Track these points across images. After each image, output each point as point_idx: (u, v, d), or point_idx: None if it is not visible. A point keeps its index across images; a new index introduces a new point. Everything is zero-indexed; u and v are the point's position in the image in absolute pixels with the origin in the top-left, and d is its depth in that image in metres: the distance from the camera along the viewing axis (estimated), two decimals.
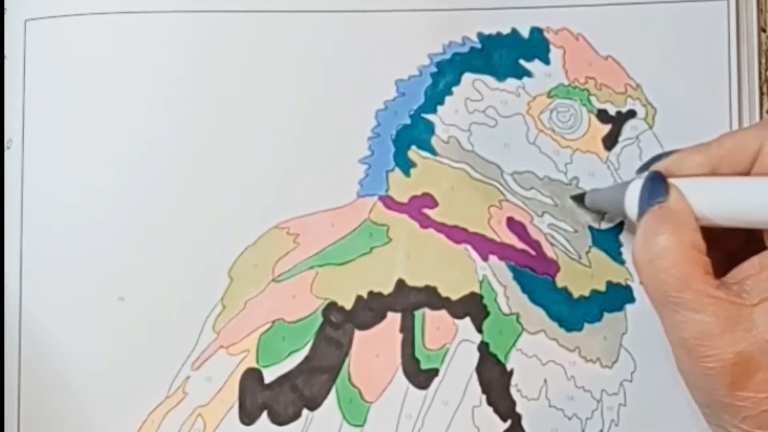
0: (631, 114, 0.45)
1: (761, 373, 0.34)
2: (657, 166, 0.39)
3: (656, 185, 0.38)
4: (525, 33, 0.45)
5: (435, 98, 0.45)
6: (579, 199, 0.44)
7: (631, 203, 0.39)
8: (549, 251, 0.44)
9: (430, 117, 0.45)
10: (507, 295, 0.44)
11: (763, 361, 0.34)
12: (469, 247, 0.44)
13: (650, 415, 0.43)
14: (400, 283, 0.44)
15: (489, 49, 0.45)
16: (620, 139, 0.45)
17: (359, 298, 0.44)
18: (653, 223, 0.37)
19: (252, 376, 0.44)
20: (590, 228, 0.44)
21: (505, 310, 0.44)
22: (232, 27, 0.45)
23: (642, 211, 0.38)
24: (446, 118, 0.45)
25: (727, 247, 0.38)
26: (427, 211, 0.45)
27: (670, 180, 0.38)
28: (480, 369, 0.44)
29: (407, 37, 0.46)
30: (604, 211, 0.44)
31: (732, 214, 0.37)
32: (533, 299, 0.44)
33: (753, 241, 0.37)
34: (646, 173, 0.39)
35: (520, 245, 0.44)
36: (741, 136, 0.37)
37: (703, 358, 0.35)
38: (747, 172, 0.37)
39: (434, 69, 0.45)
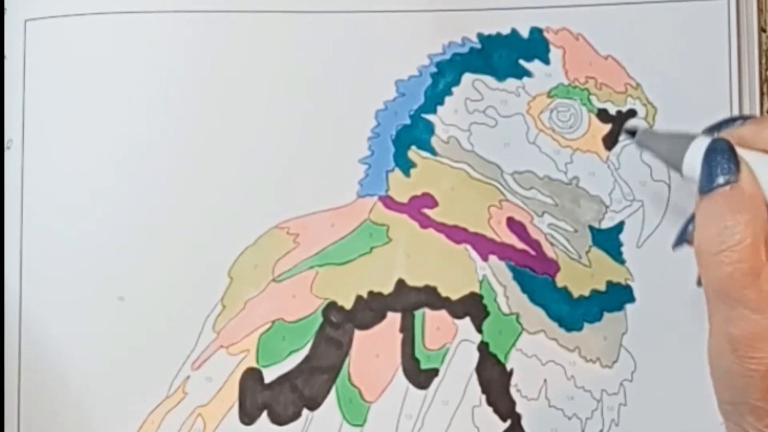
0: (632, 113, 0.45)
1: None
2: (728, 133, 0.35)
3: (724, 159, 0.34)
4: (525, 33, 0.45)
5: (435, 98, 0.45)
6: (631, 133, 0.40)
7: (691, 162, 0.35)
8: (549, 251, 0.44)
9: (429, 117, 0.45)
10: (507, 295, 0.44)
11: None
12: (469, 247, 0.44)
13: (650, 414, 0.43)
14: (400, 283, 0.44)
15: (489, 50, 0.45)
16: (620, 138, 0.45)
17: (359, 297, 0.44)
18: (724, 208, 0.33)
19: (252, 376, 0.44)
20: (590, 228, 0.44)
21: (505, 310, 0.44)
22: (232, 27, 0.45)
23: (707, 188, 0.34)
24: (446, 118, 0.45)
25: None
26: (427, 211, 0.45)
27: (742, 154, 0.34)
28: (480, 369, 0.44)
29: (407, 37, 0.46)
30: (653, 153, 0.39)
31: None
32: (533, 299, 0.44)
33: None
34: (713, 137, 0.35)
35: (520, 245, 0.44)
36: None
37: (748, 358, 0.33)
38: None
39: (434, 69, 0.45)
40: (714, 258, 0.33)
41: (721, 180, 0.34)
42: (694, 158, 0.36)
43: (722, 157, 0.34)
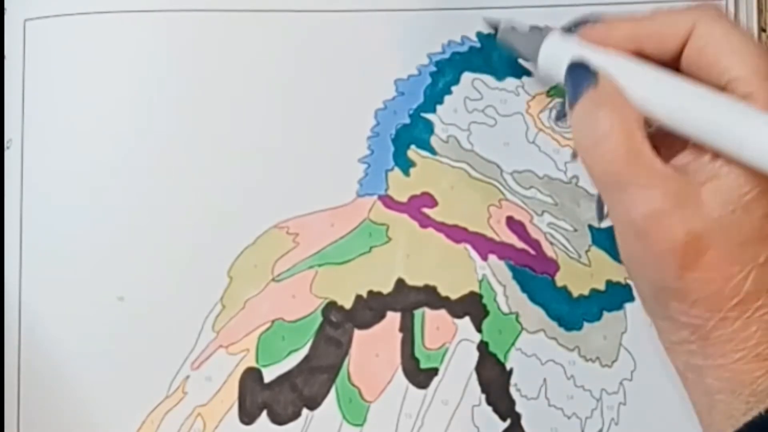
0: None
1: (711, 251, 0.33)
2: (583, 33, 0.37)
3: (582, 69, 0.36)
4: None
5: (434, 98, 0.45)
6: (493, 28, 0.42)
7: (545, 55, 0.38)
8: (548, 250, 0.44)
9: (429, 116, 0.45)
10: (506, 294, 0.44)
11: (712, 240, 0.33)
12: (468, 246, 0.44)
13: (650, 414, 0.43)
14: (400, 283, 0.44)
15: (488, 49, 0.45)
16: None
17: (359, 297, 0.44)
18: (590, 105, 0.35)
19: (252, 376, 0.44)
20: (590, 227, 0.44)
21: (505, 309, 0.44)
22: (232, 26, 0.45)
23: (573, 98, 0.36)
24: (445, 118, 0.45)
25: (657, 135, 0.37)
26: (426, 210, 0.45)
27: (597, 55, 0.36)
28: (479, 368, 0.44)
29: (406, 36, 0.46)
30: (513, 49, 0.41)
31: (656, 111, 0.35)
32: (533, 298, 0.44)
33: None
34: (572, 37, 0.37)
35: (519, 244, 0.44)
36: (673, 16, 0.36)
37: (653, 238, 0.34)
38: (675, 53, 0.36)
39: (434, 68, 0.45)
40: (593, 152, 0.35)
41: (582, 87, 0.36)
42: (547, 52, 0.38)
43: (580, 69, 0.36)
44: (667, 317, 0.36)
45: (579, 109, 0.36)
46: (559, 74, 0.37)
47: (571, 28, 0.38)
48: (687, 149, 0.35)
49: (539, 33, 0.39)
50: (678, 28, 0.35)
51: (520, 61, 0.43)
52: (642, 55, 0.36)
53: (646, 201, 0.34)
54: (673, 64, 0.36)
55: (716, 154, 0.34)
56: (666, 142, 0.36)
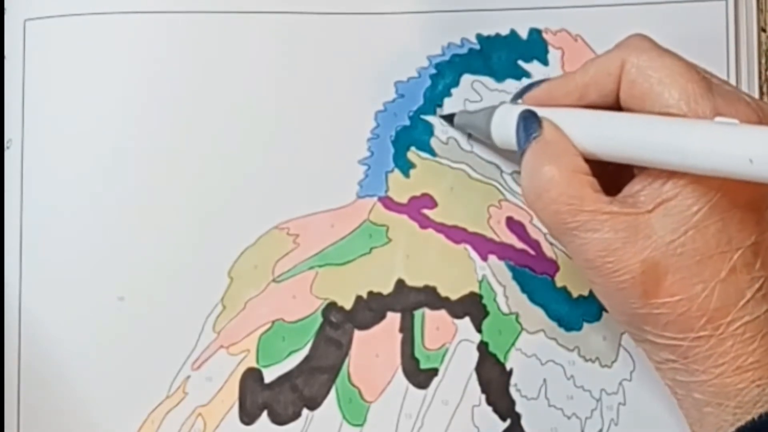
0: None
1: (669, 276, 0.34)
2: (528, 97, 0.39)
3: (529, 122, 0.38)
4: (524, 34, 0.45)
5: (434, 99, 0.45)
6: (448, 119, 0.45)
7: (497, 128, 0.41)
8: (548, 251, 0.44)
9: (429, 118, 0.45)
10: (506, 294, 0.44)
11: (669, 265, 0.34)
12: (468, 246, 0.44)
13: (650, 414, 0.43)
14: (400, 283, 0.44)
15: (488, 51, 0.46)
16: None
17: (359, 298, 0.44)
18: (533, 158, 0.37)
19: (252, 376, 0.44)
20: None
21: (505, 309, 0.44)
22: (233, 28, 0.45)
23: (521, 151, 0.38)
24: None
25: (609, 170, 0.38)
26: (426, 211, 0.45)
27: (542, 112, 0.38)
28: (479, 368, 0.44)
29: (406, 39, 0.46)
30: (470, 132, 0.44)
31: (601, 147, 0.36)
32: (532, 299, 0.44)
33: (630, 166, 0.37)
34: (518, 110, 0.39)
35: (519, 245, 0.44)
36: (603, 60, 0.37)
37: (611, 274, 0.35)
38: (615, 94, 0.37)
39: (433, 71, 0.46)
40: (539, 203, 0.36)
41: (529, 138, 0.38)
42: (498, 125, 0.41)
43: (527, 121, 0.38)
44: (645, 340, 0.37)
45: (524, 163, 0.38)
46: (512, 138, 0.39)
47: (517, 97, 0.41)
48: (636, 177, 0.36)
49: (490, 109, 0.42)
50: (610, 70, 0.37)
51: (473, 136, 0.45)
52: (589, 106, 0.38)
53: (596, 242, 0.35)
54: (619, 105, 0.37)
55: (663, 177, 0.35)
56: (616, 174, 0.37)
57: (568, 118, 0.38)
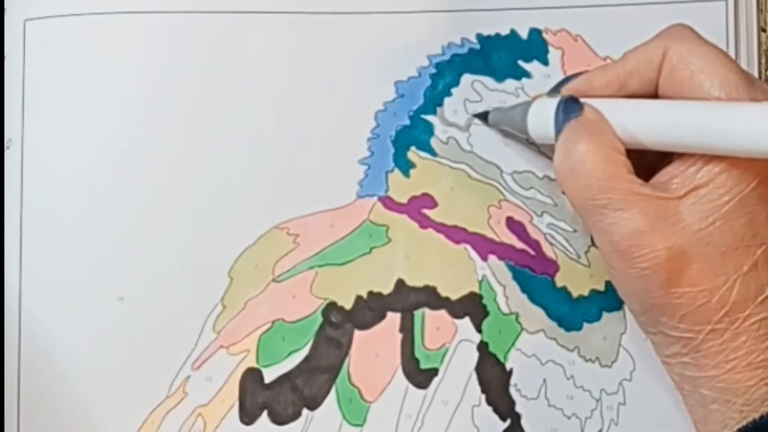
0: None
1: (694, 265, 0.34)
2: (567, 89, 0.39)
3: (569, 105, 0.38)
4: (524, 34, 0.45)
5: (434, 99, 0.45)
6: (483, 117, 0.44)
7: (534, 122, 0.40)
8: (548, 251, 0.44)
9: (429, 118, 0.45)
10: (506, 294, 0.44)
11: (694, 254, 0.34)
12: (468, 246, 0.44)
13: (650, 414, 0.43)
14: (400, 283, 0.44)
15: (488, 50, 0.45)
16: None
17: (359, 298, 0.44)
18: (570, 134, 0.37)
19: (252, 376, 0.44)
20: None
21: (505, 309, 0.44)
22: (233, 28, 0.45)
23: (558, 129, 0.38)
24: (445, 119, 0.45)
25: (646, 160, 0.38)
26: (426, 211, 0.45)
27: (582, 102, 0.38)
28: (479, 368, 0.44)
29: (406, 38, 0.46)
30: (506, 130, 0.44)
31: (641, 137, 0.36)
32: (532, 299, 0.44)
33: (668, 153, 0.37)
34: (557, 96, 0.39)
35: (519, 245, 0.44)
36: (643, 49, 0.37)
37: (635, 258, 0.35)
38: (654, 83, 0.37)
39: (433, 70, 0.46)
40: (570, 177, 0.36)
41: (568, 117, 0.37)
42: (534, 120, 0.40)
43: (566, 104, 0.38)
44: (658, 332, 0.36)
45: (560, 138, 0.37)
46: (549, 132, 0.39)
47: (554, 91, 0.41)
48: (670, 164, 0.36)
49: (525, 105, 0.41)
50: (652, 57, 0.37)
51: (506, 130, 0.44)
52: (628, 96, 0.38)
53: (624, 223, 0.35)
54: (657, 96, 0.37)
55: (698, 164, 0.35)
56: (651, 167, 0.37)
57: (610, 107, 0.37)
